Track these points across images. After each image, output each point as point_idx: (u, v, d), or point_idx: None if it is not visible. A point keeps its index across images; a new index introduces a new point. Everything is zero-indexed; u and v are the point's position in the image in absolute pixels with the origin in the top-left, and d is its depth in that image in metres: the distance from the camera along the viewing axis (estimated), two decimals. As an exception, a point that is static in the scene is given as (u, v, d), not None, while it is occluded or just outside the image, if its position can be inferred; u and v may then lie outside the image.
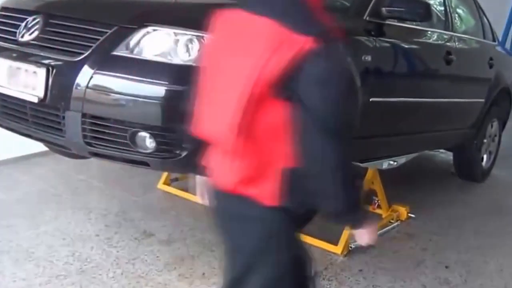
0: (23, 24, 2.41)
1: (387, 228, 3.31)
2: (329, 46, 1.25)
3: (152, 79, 2.07)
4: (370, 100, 2.71)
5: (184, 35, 2.11)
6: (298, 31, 1.23)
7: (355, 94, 2.46)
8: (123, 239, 2.83)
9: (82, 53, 2.16)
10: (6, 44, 2.45)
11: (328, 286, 2.58)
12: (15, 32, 2.42)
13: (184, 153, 2.11)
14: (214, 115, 1.36)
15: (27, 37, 2.36)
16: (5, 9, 2.63)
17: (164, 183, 3.58)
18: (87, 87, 2.11)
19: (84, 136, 2.16)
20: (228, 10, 1.38)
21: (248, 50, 1.29)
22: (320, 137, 1.25)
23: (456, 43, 3.67)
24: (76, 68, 2.14)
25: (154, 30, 2.14)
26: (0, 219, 2.93)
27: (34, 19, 2.39)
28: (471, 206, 3.98)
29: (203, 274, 2.55)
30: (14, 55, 2.38)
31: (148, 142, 2.10)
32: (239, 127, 1.28)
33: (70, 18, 2.32)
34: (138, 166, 2.24)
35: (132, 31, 2.15)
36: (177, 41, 2.11)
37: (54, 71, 2.21)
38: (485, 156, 4.53)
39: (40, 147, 3.39)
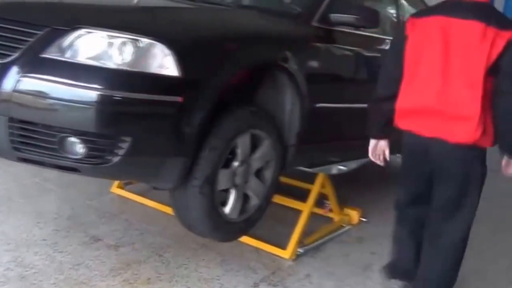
0: None
1: (338, 232, 3.35)
2: None
3: (83, 83, 2.02)
4: (316, 105, 2.74)
5: (118, 38, 2.09)
6: (503, 29, 2.04)
7: None
8: (70, 244, 2.81)
9: (11, 55, 2.11)
10: None
11: (272, 291, 2.61)
12: None
13: (115, 159, 2.10)
14: (423, 92, 2.17)
15: None
16: None
17: (118, 186, 3.57)
18: (14, 90, 2.05)
19: (12, 141, 2.11)
20: (422, 17, 2.22)
21: (469, 45, 2.07)
22: None
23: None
24: (3, 70, 2.08)
25: (88, 32, 2.11)
26: None
27: None
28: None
29: (148, 279, 2.55)
30: None
31: (78, 147, 2.08)
32: (477, 97, 2.06)
33: (0, 18, 2.24)
34: (68, 172, 2.20)
35: (64, 33, 2.11)
36: (111, 44, 2.08)
37: None
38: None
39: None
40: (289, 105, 2.74)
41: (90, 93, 2.01)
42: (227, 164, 2.49)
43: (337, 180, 3.44)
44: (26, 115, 2.09)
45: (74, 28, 2.12)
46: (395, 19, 3.74)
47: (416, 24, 2.23)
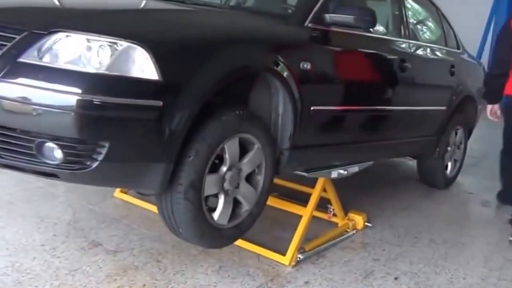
0: None
1: (341, 237, 3.30)
2: None
3: (61, 88, 1.98)
4: (312, 108, 2.70)
5: (97, 41, 2.05)
6: None
7: None
8: (68, 249, 2.80)
9: None
10: None
11: (270, 298, 2.58)
12: None
13: (94, 165, 2.06)
14: None
15: None
16: None
17: (121, 191, 3.57)
18: None
19: None
20: None
21: None
22: None
23: (412, 51, 3.66)
24: None
25: (66, 36, 2.07)
26: None
27: None
28: (431, 214, 3.98)
29: (144, 285, 2.53)
30: None
31: (56, 153, 2.05)
32: None
33: None
34: (48, 178, 2.17)
35: (42, 37, 2.07)
36: (89, 48, 2.04)
37: None
38: (449, 164, 4.53)
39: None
40: (281, 109, 2.68)
41: (67, 98, 1.97)
42: (215, 169, 2.43)
43: (341, 184, 3.39)
44: (4, 120, 2.06)
45: (52, 31, 2.07)
46: (399, 19, 3.69)
47: None
